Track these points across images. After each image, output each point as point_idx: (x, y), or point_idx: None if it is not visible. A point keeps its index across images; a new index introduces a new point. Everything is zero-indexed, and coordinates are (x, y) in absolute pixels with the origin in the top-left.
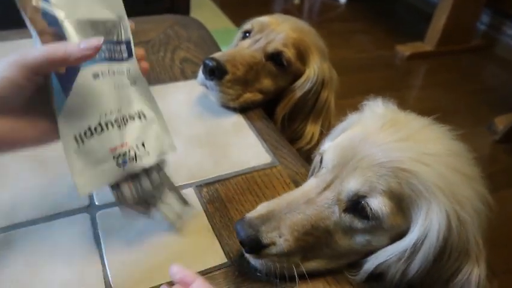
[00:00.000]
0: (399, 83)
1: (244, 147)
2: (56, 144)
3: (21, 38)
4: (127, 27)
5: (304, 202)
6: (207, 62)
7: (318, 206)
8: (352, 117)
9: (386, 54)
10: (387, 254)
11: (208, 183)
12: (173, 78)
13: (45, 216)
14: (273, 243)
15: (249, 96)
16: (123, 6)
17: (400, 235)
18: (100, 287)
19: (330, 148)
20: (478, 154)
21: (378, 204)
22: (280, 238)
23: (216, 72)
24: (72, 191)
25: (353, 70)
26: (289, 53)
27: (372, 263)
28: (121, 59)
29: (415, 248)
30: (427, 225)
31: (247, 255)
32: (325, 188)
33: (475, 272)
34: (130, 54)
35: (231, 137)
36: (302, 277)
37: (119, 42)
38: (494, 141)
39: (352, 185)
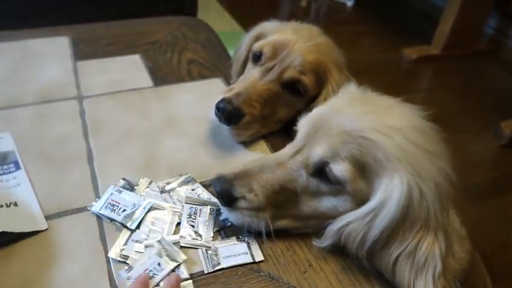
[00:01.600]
0: (405, 86)
1: (250, 149)
2: (62, 143)
3: (29, 39)
4: (13, 154)
5: (276, 164)
6: (222, 106)
7: (287, 168)
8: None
9: (392, 57)
10: (348, 216)
11: None
12: (180, 79)
13: (52, 214)
14: (244, 197)
15: (265, 131)
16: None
17: (364, 202)
18: (104, 283)
19: (302, 121)
20: (483, 158)
21: (340, 169)
22: (250, 193)
23: (233, 118)
24: (77, 190)
25: (359, 72)
26: (307, 80)
27: (334, 224)
28: (5, 173)
29: (375, 213)
30: (388, 193)
31: (222, 208)
32: (295, 153)
33: (435, 244)
34: (17, 168)
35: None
36: (270, 234)
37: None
38: (501, 146)
39: (318, 151)
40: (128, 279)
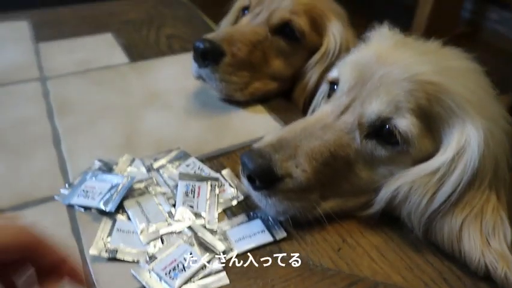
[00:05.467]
0: None
1: (248, 116)
2: (21, 127)
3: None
4: None
5: (321, 128)
6: (197, 44)
7: (336, 131)
8: (359, 46)
9: None
10: (409, 175)
11: (211, 157)
12: (160, 54)
13: (7, 207)
14: (289, 175)
15: (258, 85)
16: None
17: (426, 160)
18: None
19: (344, 69)
20: None
21: (407, 124)
22: (297, 168)
23: (209, 56)
24: (41, 177)
25: None
26: (301, 21)
27: (390, 187)
28: None
29: (449, 167)
30: (463, 144)
31: (255, 194)
32: (342, 112)
33: (500, 207)
34: None
35: (231, 107)
36: (321, 221)
37: None
38: None
39: (374, 106)
40: (150, 272)
